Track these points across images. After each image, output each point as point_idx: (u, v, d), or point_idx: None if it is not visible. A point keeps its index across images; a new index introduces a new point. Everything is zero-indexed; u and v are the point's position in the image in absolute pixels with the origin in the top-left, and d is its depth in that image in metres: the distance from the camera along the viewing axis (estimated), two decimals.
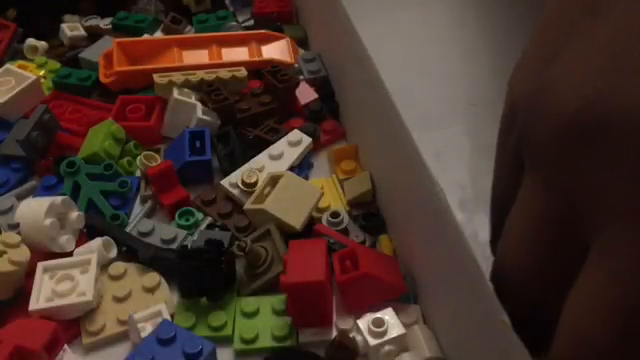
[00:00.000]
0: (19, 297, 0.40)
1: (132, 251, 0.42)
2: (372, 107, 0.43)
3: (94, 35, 0.59)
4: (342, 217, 0.42)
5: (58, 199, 0.42)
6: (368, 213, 0.44)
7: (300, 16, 0.61)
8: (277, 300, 0.39)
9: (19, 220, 0.41)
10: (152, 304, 0.39)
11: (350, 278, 0.37)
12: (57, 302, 0.38)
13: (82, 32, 0.59)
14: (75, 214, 0.43)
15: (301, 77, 0.54)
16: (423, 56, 0.56)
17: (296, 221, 0.42)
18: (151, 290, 0.40)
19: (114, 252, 0.42)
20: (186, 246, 0.41)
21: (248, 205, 0.43)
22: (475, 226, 0.45)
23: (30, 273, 0.40)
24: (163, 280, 0.41)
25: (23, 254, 0.40)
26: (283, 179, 0.43)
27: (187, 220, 0.44)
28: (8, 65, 0.52)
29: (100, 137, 0.47)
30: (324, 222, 0.42)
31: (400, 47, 0.56)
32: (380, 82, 0.40)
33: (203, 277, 0.38)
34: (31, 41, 0.58)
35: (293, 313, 0.38)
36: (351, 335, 0.37)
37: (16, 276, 0.39)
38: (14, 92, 0.49)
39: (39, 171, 0.48)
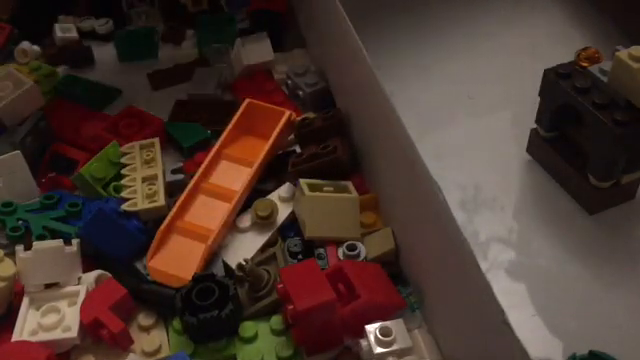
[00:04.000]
0: (12, 313, 0.39)
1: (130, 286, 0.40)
2: (395, 157, 0.41)
3: (87, 36, 0.59)
4: (359, 250, 0.41)
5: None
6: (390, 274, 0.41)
7: (298, 17, 0.61)
8: (275, 320, 0.38)
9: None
10: (147, 344, 0.38)
11: (352, 309, 0.36)
12: (41, 336, 0.37)
13: (74, 34, 0.58)
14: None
15: (300, 92, 0.52)
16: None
17: (311, 232, 0.41)
18: (147, 329, 0.39)
19: None
20: (190, 290, 0.38)
21: (302, 181, 0.42)
22: (475, 226, 0.45)
23: (19, 292, 0.40)
24: (160, 320, 0.40)
25: (8, 268, 0.39)
26: (347, 196, 0.42)
27: None
28: (10, 68, 0.51)
29: (94, 159, 0.46)
30: (340, 254, 0.41)
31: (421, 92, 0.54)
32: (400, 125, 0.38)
33: (208, 329, 0.37)
34: (24, 44, 0.57)
35: (305, 342, 0.37)
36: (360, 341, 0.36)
37: (5, 291, 0.39)
38: (11, 97, 0.49)
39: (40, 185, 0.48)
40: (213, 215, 0.42)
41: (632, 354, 0.37)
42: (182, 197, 0.43)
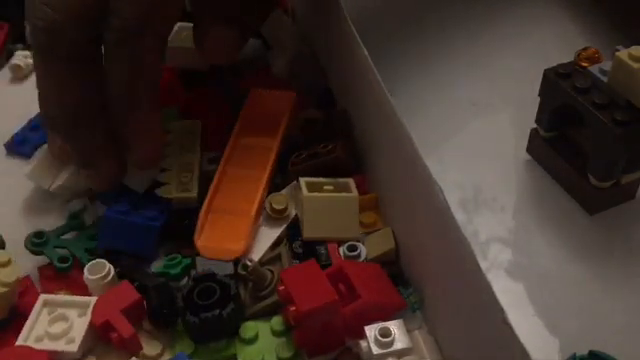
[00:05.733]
0: (14, 318, 0.39)
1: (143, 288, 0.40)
2: (395, 156, 0.41)
3: None
4: (359, 250, 0.40)
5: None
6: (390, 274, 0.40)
7: (298, 16, 0.61)
8: (275, 321, 0.38)
9: None
10: (149, 348, 0.38)
11: (352, 309, 0.36)
12: (44, 345, 0.37)
13: None
14: None
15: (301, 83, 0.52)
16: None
17: (309, 232, 0.41)
18: (151, 333, 0.39)
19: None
20: (192, 290, 0.38)
21: (302, 180, 0.42)
22: (475, 226, 0.45)
23: (25, 292, 0.40)
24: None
25: (12, 273, 0.39)
26: (346, 196, 0.42)
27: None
28: None
29: None
30: (341, 254, 0.41)
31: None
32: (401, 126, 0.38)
33: (210, 328, 0.37)
34: (18, 57, 0.55)
35: (306, 344, 0.37)
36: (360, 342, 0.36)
37: (7, 297, 0.39)
38: None
39: None
40: (247, 195, 0.43)
41: (632, 354, 0.37)
42: (213, 183, 0.43)
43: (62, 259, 0.42)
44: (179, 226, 0.43)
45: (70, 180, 0.45)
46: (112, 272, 0.39)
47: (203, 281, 0.38)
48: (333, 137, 0.45)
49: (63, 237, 0.43)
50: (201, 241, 0.41)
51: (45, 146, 0.46)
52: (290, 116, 0.47)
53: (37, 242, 0.42)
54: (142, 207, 0.43)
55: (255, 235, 0.42)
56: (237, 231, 0.41)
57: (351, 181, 0.43)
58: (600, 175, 0.43)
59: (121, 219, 0.42)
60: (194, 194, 0.43)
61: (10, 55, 0.57)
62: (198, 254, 0.41)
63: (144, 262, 0.42)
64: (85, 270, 0.39)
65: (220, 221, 0.42)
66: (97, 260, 0.40)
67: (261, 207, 0.43)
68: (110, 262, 0.40)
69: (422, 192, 0.36)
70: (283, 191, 0.44)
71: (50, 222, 0.45)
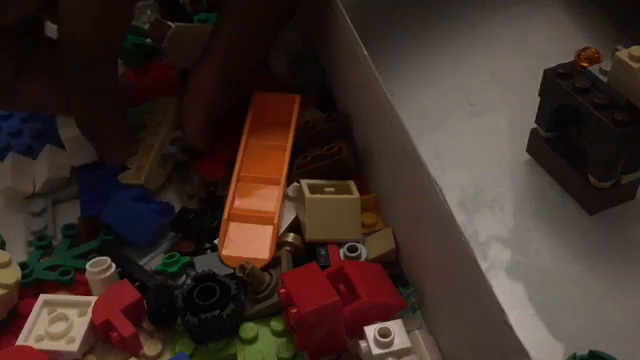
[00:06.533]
0: (13, 318, 0.39)
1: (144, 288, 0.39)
2: (395, 157, 0.40)
3: None
4: (360, 251, 0.40)
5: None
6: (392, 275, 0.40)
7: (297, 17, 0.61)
8: (275, 322, 0.38)
9: None
10: (149, 348, 0.38)
11: (353, 309, 0.36)
12: (44, 345, 0.37)
13: None
14: None
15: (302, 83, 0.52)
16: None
17: (311, 235, 0.41)
18: (151, 333, 0.39)
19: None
20: (192, 290, 0.38)
21: (303, 182, 0.42)
22: (475, 226, 0.45)
23: (25, 292, 0.40)
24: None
25: (13, 275, 0.39)
26: (348, 198, 0.42)
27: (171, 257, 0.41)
28: None
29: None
30: (341, 255, 0.41)
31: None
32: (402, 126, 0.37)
33: (210, 329, 0.37)
34: None
35: (308, 346, 0.37)
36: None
37: (7, 298, 0.39)
38: None
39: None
40: (267, 199, 0.43)
41: (632, 354, 0.37)
42: (230, 189, 0.43)
43: (64, 272, 0.41)
44: (183, 222, 0.43)
45: (51, 170, 0.45)
46: (113, 267, 0.39)
47: (203, 281, 0.38)
48: (333, 138, 0.45)
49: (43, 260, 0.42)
50: (225, 251, 0.41)
51: (11, 154, 0.46)
52: (297, 118, 0.47)
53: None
54: (153, 199, 0.44)
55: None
56: (261, 239, 0.41)
57: (352, 183, 0.43)
58: (600, 175, 0.43)
59: (127, 203, 0.42)
60: (140, 181, 0.43)
61: None
62: (197, 254, 0.41)
63: (137, 256, 0.42)
64: (87, 265, 0.39)
65: (243, 229, 0.42)
66: (99, 258, 0.40)
67: (282, 213, 0.42)
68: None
69: (422, 192, 0.36)
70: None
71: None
